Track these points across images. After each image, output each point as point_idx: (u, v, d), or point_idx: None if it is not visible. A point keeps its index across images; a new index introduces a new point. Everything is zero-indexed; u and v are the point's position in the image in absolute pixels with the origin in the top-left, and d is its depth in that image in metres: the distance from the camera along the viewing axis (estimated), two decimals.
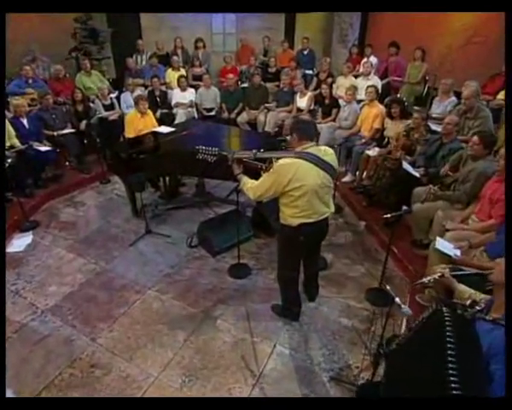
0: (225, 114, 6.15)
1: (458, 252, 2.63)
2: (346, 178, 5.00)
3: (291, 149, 2.46)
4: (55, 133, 4.99)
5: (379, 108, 4.78)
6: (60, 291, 3.23)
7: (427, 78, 5.83)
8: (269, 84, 6.54)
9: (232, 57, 7.19)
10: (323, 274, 3.40)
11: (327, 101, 5.53)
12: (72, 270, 3.50)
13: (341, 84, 6.06)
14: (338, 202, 4.49)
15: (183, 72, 6.60)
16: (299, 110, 5.88)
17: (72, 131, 5.19)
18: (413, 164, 3.88)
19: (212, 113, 6.24)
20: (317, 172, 2.29)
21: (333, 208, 2.55)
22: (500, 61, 6.19)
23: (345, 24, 7.02)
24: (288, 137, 2.39)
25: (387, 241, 3.73)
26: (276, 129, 5.90)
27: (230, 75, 6.29)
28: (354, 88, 5.16)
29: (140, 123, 4.68)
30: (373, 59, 6.33)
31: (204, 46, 7.21)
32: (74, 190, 5.03)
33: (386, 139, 4.64)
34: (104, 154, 5.28)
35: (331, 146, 2.95)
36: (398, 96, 5.42)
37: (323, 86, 5.46)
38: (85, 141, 5.47)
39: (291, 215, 2.39)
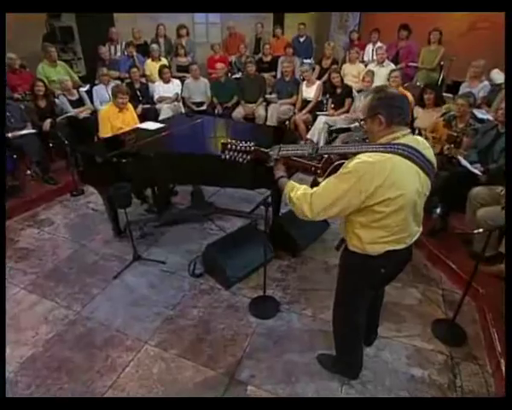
0: (218, 109, 5.26)
1: None
2: None
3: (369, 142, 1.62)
4: (10, 134, 3.92)
5: (407, 95, 4.04)
6: (15, 355, 2.26)
7: (442, 63, 5.19)
8: (264, 75, 5.71)
9: (220, 46, 6.30)
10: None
11: (338, 90, 4.76)
12: (34, 320, 2.52)
13: (348, 72, 5.34)
14: None
15: (164, 61, 5.65)
16: (306, 101, 5.07)
17: (33, 131, 4.14)
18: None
19: (203, 107, 5.34)
20: (417, 175, 1.48)
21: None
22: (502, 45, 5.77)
23: None
24: (365, 123, 1.55)
25: (438, 253, 3.08)
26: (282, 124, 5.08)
27: (220, 64, 5.41)
28: (372, 73, 4.42)
29: (118, 119, 3.74)
30: (379, 44, 5.63)
31: (188, 34, 6.29)
32: (38, 205, 3.99)
33: (417, 131, 3.91)
34: (75, 159, 4.23)
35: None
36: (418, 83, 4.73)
37: (333, 74, 4.69)
38: (50, 144, 4.43)
39: (373, 241, 1.57)
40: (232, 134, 3.78)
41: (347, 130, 1.93)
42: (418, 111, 3.92)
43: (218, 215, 3.79)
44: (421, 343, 2.35)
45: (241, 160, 1.72)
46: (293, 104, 5.24)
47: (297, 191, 1.58)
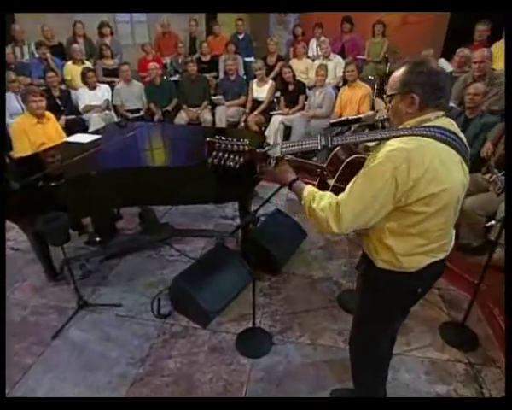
0: (158, 115, 4.79)
1: None
2: None
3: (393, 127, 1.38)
4: None
5: (365, 88, 4.05)
6: None
7: (386, 55, 5.35)
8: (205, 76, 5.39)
9: (152, 46, 5.82)
10: None
11: (291, 87, 4.61)
12: None
13: (296, 68, 5.21)
14: None
15: (88, 64, 5.02)
16: (257, 102, 4.84)
17: None
18: None
19: (140, 114, 4.82)
20: (460, 164, 1.26)
21: None
22: (438, 39, 6.21)
23: None
24: (391, 100, 1.30)
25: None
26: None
27: (153, 64, 4.95)
28: (325, 67, 4.34)
29: (37, 133, 3.13)
30: (323, 39, 5.65)
31: (112, 33, 5.71)
32: None
33: (381, 124, 3.88)
34: None
35: None
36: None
37: (285, 70, 4.54)
38: None
39: (409, 252, 1.31)
40: (184, 141, 3.37)
41: (355, 121, 1.67)
42: (380, 103, 3.91)
43: (175, 238, 3.35)
44: (435, 354, 2.20)
45: (231, 164, 1.35)
46: (242, 105, 4.99)
47: (320, 201, 1.27)
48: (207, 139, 1.34)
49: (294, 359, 2.19)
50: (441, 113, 1.27)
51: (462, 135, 1.30)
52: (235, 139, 1.34)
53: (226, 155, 1.33)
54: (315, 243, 3.33)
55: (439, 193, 1.20)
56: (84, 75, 4.52)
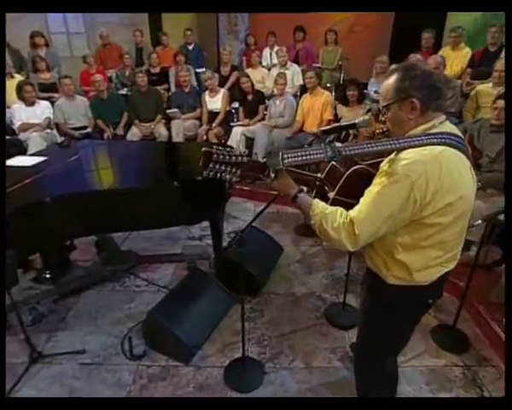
0: (108, 132, 4.50)
1: None
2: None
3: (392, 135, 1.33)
4: None
5: (326, 95, 4.11)
6: None
7: (340, 62, 5.54)
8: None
9: (93, 58, 5.50)
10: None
11: (250, 96, 4.56)
12: None
13: (252, 78, 5.20)
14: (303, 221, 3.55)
15: (19, 78, 4.60)
16: (213, 113, 4.73)
17: None
18: None
19: (87, 130, 4.49)
20: (470, 170, 1.25)
21: None
22: (383, 46, 6.59)
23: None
24: (388, 110, 1.25)
25: None
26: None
27: (98, 76, 4.66)
28: (284, 75, 4.36)
29: None
30: (277, 47, 5.71)
31: (47, 44, 5.31)
32: None
33: (344, 131, 3.96)
34: None
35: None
36: None
37: (243, 79, 4.48)
38: None
39: (425, 265, 1.27)
40: (142, 159, 3.15)
41: (349, 127, 1.62)
42: (342, 109, 3.98)
43: (141, 266, 3.10)
44: (431, 361, 2.19)
45: (228, 176, 1.21)
46: (199, 118, 4.85)
47: (334, 222, 1.20)
48: (204, 149, 1.20)
49: (290, 386, 2.06)
50: (443, 116, 1.26)
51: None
52: (233, 149, 1.21)
53: (223, 167, 1.20)
54: (291, 257, 3.26)
55: (455, 202, 1.18)
56: (20, 89, 4.10)
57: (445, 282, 1.40)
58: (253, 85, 4.53)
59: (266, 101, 4.71)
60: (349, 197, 1.37)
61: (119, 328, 2.44)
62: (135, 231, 3.29)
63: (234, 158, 1.19)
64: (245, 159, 1.20)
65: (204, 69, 5.91)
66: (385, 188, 1.16)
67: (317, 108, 4.09)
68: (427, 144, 1.16)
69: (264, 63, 5.67)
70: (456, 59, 4.20)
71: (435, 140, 1.17)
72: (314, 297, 2.78)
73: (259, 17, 6.28)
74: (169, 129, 4.72)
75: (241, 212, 4.00)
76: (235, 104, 4.96)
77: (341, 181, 1.42)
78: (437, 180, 1.13)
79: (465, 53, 4.42)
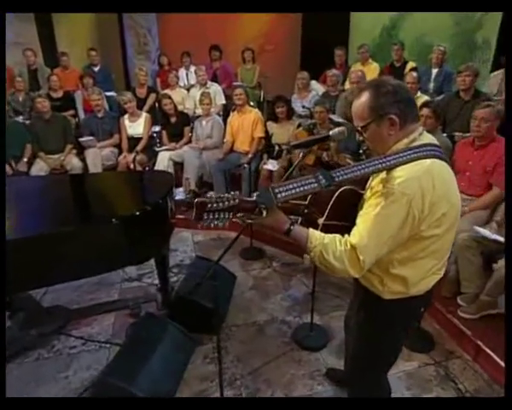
0: (14, 166, 3.93)
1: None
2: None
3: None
4: None
5: (255, 112, 4.18)
6: None
7: (259, 81, 5.74)
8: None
9: None
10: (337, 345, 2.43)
11: (173, 119, 4.43)
12: None
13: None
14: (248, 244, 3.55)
15: None
16: (134, 139, 4.46)
17: None
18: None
19: None
20: (454, 179, 1.31)
21: None
22: (293, 64, 7.06)
23: (141, 29, 6.05)
24: (366, 130, 1.27)
25: None
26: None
27: None
28: (208, 94, 4.33)
29: None
30: (194, 67, 5.70)
31: None
32: None
33: (277, 147, 4.07)
34: None
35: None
36: None
37: (165, 101, 4.33)
38: None
39: (423, 276, 1.32)
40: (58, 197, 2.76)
41: (322, 139, 1.63)
42: (272, 126, 4.09)
43: (73, 322, 2.72)
44: (406, 365, 2.29)
45: (221, 224, 1.16)
46: (118, 146, 4.54)
47: (335, 251, 1.20)
48: (197, 201, 1.13)
49: None
50: (420, 127, 1.30)
51: None
52: (225, 194, 1.15)
53: (217, 215, 1.14)
54: (244, 283, 3.18)
55: (448, 211, 1.23)
56: None
57: (434, 289, 1.44)
58: (175, 107, 4.41)
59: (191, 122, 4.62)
60: (340, 220, 1.38)
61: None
62: (58, 283, 2.88)
63: (226, 203, 1.14)
64: (236, 201, 1.15)
65: (113, 92, 5.63)
66: (383, 209, 1.17)
67: (247, 125, 4.13)
68: (416, 159, 1.20)
69: (181, 84, 5.59)
70: (367, 74, 4.64)
71: (422, 153, 1.22)
72: (277, 323, 2.73)
73: (170, 36, 6.24)
74: (83, 159, 4.31)
75: (180, 243, 3.81)
76: (156, 128, 4.78)
77: (330, 205, 1.42)
78: (432, 193, 1.17)
79: (374, 68, 4.94)
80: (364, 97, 1.26)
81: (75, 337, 2.59)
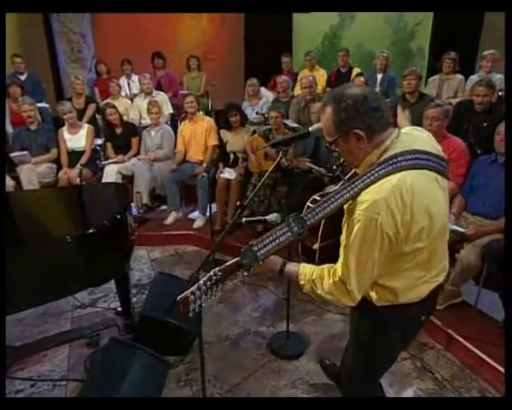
0: None
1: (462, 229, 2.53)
2: (198, 223, 3.99)
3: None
4: None
5: (207, 120, 4.14)
6: None
7: (206, 89, 5.72)
8: None
9: None
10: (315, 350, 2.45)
11: (119, 130, 4.24)
12: None
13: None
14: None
15: None
16: (74, 153, 4.19)
17: None
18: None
19: None
20: (436, 183, 1.25)
21: None
22: (237, 72, 7.17)
23: (75, 35, 5.75)
24: (335, 145, 1.27)
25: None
26: None
27: None
28: (156, 102, 4.22)
29: None
30: (134, 76, 5.54)
31: None
32: None
33: (232, 155, 4.06)
34: None
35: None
36: None
37: (109, 111, 4.13)
38: None
39: (410, 286, 1.31)
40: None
41: (301, 137, 1.67)
42: (226, 134, 4.08)
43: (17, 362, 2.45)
44: None
45: (212, 298, 1.27)
46: (55, 161, 4.24)
47: (323, 285, 1.28)
48: (179, 299, 1.23)
49: None
50: (395, 131, 1.26)
51: (429, 145, 1.28)
52: (207, 275, 1.24)
53: (204, 296, 1.23)
54: None
55: (428, 223, 1.20)
56: None
57: (437, 296, 1.46)
58: (121, 117, 4.23)
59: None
60: (335, 235, 1.38)
61: None
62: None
63: (209, 282, 1.23)
64: (219, 274, 1.24)
65: (44, 103, 5.28)
66: (356, 238, 1.17)
67: (199, 134, 4.08)
68: (384, 176, 1.16)
69: (123, 93, 5.39)
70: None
71: (390, 168, 1.16)
72: (251, 335, 2.69)
73: (107, 43, 6.00)
74: (16, 177, 3.95)
75: (135, 261, 3.63)
76: (98, 141, 4.55)
77: (321, 229, 1.45)
78: (403, 211, 1.14)
79: (321, 74, 5.16)
80: (327, 113, 1.24)
81: (23, 379, 2.33)
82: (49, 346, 2.58)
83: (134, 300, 3.03)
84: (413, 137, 1.28)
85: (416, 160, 1.20)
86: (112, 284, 2.81)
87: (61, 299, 2.32)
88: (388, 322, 1.40)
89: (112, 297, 3.08)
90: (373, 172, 1.17)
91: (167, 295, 2.63)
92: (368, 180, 1.16)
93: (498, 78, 4.21)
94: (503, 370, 2.14)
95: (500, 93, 3.95)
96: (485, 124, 3.14)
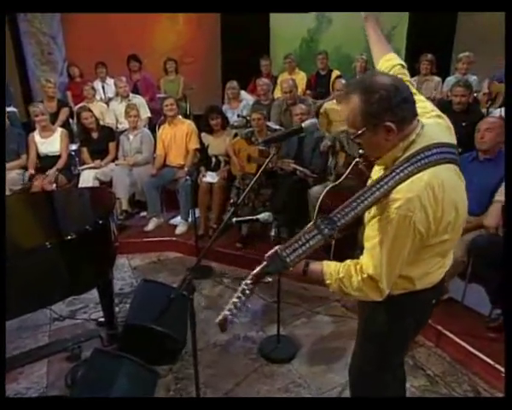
0: None
1: None
2: (180, 229, 3.94)
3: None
4: None
5: (187, 123, 4.11)
6: None
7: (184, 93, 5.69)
8: None
9: None
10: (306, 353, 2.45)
11: (95, 134, 4.15)
12: None
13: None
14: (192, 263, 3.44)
15: None
16: (48, 158, 4.07)
17: None
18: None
19: None
20: (458, 176, 1.27)
21: None
22: (215, 76, 7.17)
23: (45, 37, 5.60)
24: (360, 138, 1.23)
25: None
26: None
27: None
28: (135, 106, 4.17)
29: None
30: (109, 80, 5.45)
31: None
32: None
33: (215, 159, 4.05)
34: None
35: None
36: None
37: (84, 114, 4.04)
38: None
39: (426, 272, 1.34)
40: None
41: (295, 132, 1.65)
42: (208, 138, 4.05)
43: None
44: None
45: (243, 309, 1.29)
46: (25, 167, 4.10)
47: (352, 283, 1.27)
48: (218, 322, 1.29)
49: None
50: (419, 124, 1.23)
51: (449, 132, 1.30)
52: (239, 289, 1.27)
53: (239, 313, 1.28)
54: (196, 304, 2.97)
55: (454, 218, 1.23)
56: None
57: (445, 280, 1.51)
58: (97, 121, 4.14)
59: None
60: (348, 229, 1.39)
61: None
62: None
63: (243, 298, 1.25)
64: (250, 287, 1.26)
65: (13, 108, 5.11)
66: (389, 236, 1.19)
67: (180, 138, 4.04)
68: (413, 173, 1.16)
69: (97, 97, 5.29)
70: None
71: (419, 164, 1.17)
72: (240, 340, 2.68)
73: (79, 45, 5.86)
74: None
75: (116, 270, 3.50)
76: (72, 146, 4.44)
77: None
78: (435, 208, 1.16)
79: (301, 77, 5.23)
80: (354, 103, 1.20)
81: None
82: (26, 362, 2.47)
83: (116, 309, 2.94)
84: (434, 127, 1.28)
85: (441, 154, 1.21)
86: (92, 295, 2.76)
87: (41, 309, 2.24)
88: (404, 309, 1.41)
89: (92, 308, 2.99)
90: (402, 168, 1.17)
91: (153, 302, 2.59)
92: (397, 177, 1.16)
93: (474, 79, 4.38)
94: (492, 362, 2.21)
95: (475, 94, 4.12)
96: (464, 123, 3.26)
